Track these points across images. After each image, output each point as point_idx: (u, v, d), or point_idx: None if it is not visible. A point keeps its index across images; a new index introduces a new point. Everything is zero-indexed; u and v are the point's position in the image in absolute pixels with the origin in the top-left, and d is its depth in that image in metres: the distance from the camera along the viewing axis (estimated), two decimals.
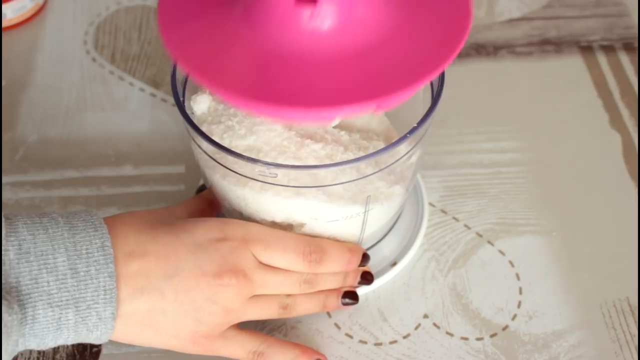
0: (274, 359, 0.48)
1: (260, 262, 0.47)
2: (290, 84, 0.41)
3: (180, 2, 0.45)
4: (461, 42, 0.43)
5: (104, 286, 0.42)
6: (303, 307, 0.50)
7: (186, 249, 0.45)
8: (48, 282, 0.41)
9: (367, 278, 0.52)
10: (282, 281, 0.47)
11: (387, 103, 0.41)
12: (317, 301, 0.50)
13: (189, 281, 0.45)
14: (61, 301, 0.42)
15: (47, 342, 0.42)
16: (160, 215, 0.48)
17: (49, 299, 0.41)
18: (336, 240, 0.50)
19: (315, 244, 0.48)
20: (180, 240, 0.45)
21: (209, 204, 0.53)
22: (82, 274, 0.42)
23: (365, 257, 0.51)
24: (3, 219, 0.42)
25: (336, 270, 0.50)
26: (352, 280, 0.51)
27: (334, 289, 0.51)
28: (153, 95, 0.66)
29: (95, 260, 0.42)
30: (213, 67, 0.42)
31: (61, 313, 0.42)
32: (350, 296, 0.51)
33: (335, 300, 0.51)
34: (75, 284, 0.42)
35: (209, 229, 0.46)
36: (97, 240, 0.43)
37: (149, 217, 0.47)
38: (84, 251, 0.42)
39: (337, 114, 0.43)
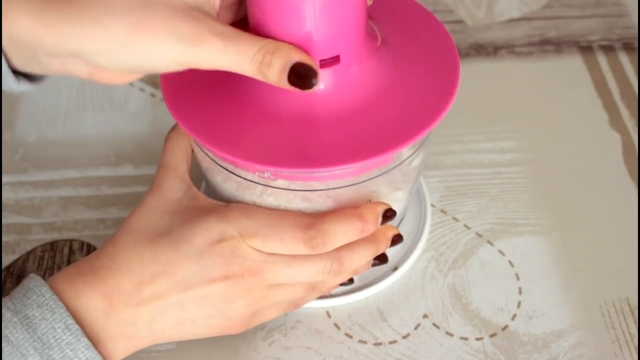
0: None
1: (268, 253, 0.46)
2: (272, 142, 0.44)
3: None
4: (437, 118, 0.45)
5: (86, 357, 0.43)
6: (333, 282, 0.49)
7: (189, 260, 0.45)
8: None
9: (396, 241, 0.50)
10: (298, 274, 0.46)
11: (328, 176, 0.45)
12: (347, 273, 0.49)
13: (202, 290, 0.45)
14: None
15: None
16: (156, 218, 0.47)
17: None
18: (343, 210, 0.47)
19: (315, 226, 0.46)
20: (181, 252, 0.45)
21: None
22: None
23: (390, 213, 0.48)
24: None
25: (349, 241, 0.47)
26: (383, 248, 0.49)
27: None
28: (153, 95, 0.66)
29: (67, 343, 0.42)
30: (207, 123, 0.45)
31: None
32: (379, 258, 0.50)
33: (365, 267, 0.50)
34: None
35: (205, 231, 0.45)
36: (59, 324, 0.43)
37: (146, 230, 0.46)
38: (52, 340, 0.42)
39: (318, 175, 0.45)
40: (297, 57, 0.42)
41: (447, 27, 0.56)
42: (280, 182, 0.46)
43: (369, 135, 0.44)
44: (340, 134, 0.44)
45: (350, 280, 0.52)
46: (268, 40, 0.42)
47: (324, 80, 0.45)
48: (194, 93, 0.46)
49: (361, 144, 0.44)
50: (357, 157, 0.43)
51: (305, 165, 0.43)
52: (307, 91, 0.42)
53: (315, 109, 0.45)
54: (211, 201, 0.48)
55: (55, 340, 0.42)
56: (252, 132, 0.45)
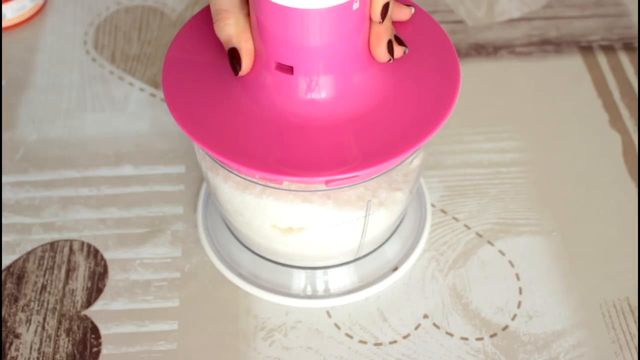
0: None
1: None
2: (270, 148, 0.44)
3: (184, 71, 0.47)
4: (438, 125, 0.45)
5: None
6: None
7: None
8: None
9: None
10: None
11: (337, 182, 0.45)
12: None
13: None
14: None
15: None
16: None
17: None
18: None
19: None
20: None
21: None
22: None
23: None
24: None
25: None
26: None
27: None
28: (153, 95, 0.66)
29: None
30: (208, 125, 0.44)
31: None
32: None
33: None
34: None
35: None
36: None
37: None
38: None
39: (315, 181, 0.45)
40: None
41: (447, 27, 0.56)
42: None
43: (369, 144, 0.44)
44: (342, 142, 0.44)
45: None
46: None
47: (327, 88, 0.45)
48: (194, 94, 0.46)
49: (362, 152, 0.44)
50: (358, 166, 0.43)
51: (307, 174, 0.43)
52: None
53: (319, 116, 0.45)
54: None
55: None
56: (253, 137, 0.44)
